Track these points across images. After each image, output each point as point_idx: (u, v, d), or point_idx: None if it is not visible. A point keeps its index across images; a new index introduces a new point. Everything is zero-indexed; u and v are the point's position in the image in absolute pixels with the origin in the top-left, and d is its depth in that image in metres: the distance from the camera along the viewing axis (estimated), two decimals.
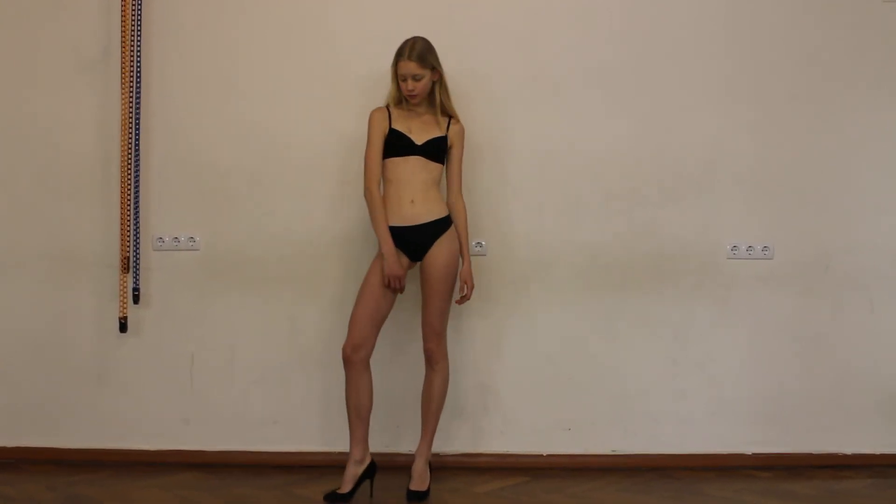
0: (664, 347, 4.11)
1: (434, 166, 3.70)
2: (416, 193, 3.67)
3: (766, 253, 4.11)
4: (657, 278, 4.11)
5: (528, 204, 4.10)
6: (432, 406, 3.73)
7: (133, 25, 4.00)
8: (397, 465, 3.87)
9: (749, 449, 4.12)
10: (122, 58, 4.00)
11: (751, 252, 4.11)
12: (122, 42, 4.01)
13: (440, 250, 3.69)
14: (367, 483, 3.69)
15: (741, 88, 4.12)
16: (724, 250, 4.11)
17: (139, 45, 4.00)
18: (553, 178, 4.10)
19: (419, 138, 3.69)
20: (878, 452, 4.13)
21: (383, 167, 3.70)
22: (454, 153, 3.77)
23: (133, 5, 4.00)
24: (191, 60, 4.08)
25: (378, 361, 4.00)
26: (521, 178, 4.09)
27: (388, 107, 3.73)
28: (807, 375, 4.13)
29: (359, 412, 3.66)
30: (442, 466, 3.94)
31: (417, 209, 3.67)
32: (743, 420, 4.12)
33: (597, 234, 4.10)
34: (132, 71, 4.00)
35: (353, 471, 3.64)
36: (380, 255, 3.65)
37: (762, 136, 4.12)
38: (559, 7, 4.11)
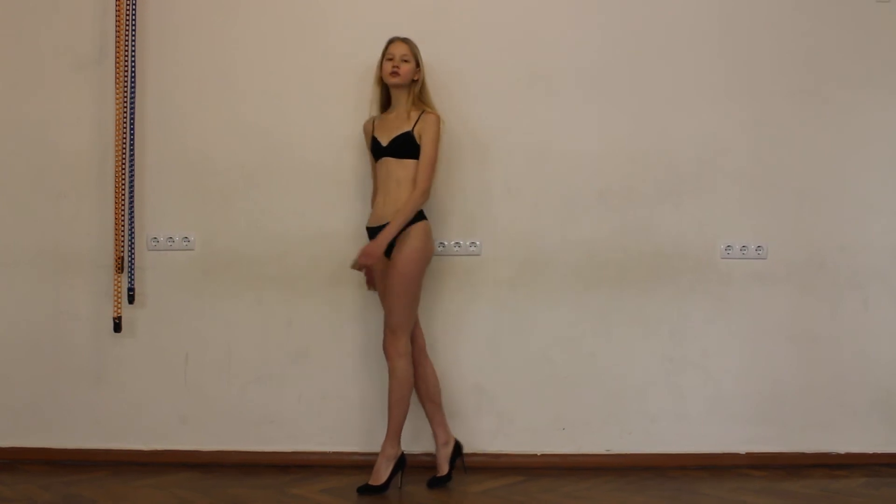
0: (659, 346, 4.11)
1: (408, 163, 3.73)
2: (387, 194, 3.75)
3: (760, 252, 4.11)
4: (652, 277, 4.11)
5: (523, 203, 4.09)
6: (388, 404, 3.73)
7: (127, 25, 4.00)
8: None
9: (744, 448, 4.12)
10: (117, 57, 4.00)
11: (744, 251, 4.11)
12: (117, 41, 4.00)
13: (395, 248, 3.72)
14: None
15: (736, 87, 4.11)
16: (718, 249, 4.11)
17: (133, 45, 4.00)
18: (548, 176, 4.09)
19: (385, 139, 3.77)
20: (872, 451, 4.13)
21: None
22: (422, 143, 3.73)
23: (128, 4, 4.00)
24: (186, 59, 4.08)
25: (371, 361, 4.03)
26: (516, 177, 4.09)
27: (374, 118, 3.87)
28: (801, 374, 4.13)
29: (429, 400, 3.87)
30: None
31: (386, 209, 3.75)
32: (738, 419, 4.12)
33: (592, 232, 4.10)
34: (126, 70, 4.00)
35: (443, 452, 3.85)
36: None
37: (757, 135, 4.12)
38: (553, 5, 4.10)
